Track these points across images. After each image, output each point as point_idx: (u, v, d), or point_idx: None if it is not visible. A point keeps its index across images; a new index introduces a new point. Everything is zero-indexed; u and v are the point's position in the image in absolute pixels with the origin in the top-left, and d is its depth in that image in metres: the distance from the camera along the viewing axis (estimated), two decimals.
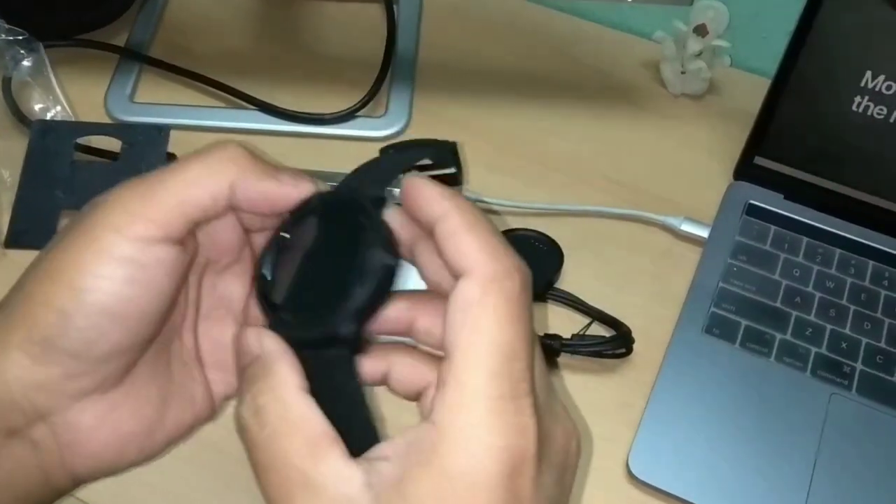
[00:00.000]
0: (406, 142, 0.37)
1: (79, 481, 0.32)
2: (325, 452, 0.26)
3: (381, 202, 0.32)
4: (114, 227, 0.30)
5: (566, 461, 0.28)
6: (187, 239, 0.31)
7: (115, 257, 0.29)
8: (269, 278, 0.33)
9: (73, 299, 0.29)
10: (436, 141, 0.37)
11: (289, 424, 0.27)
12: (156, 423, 0.33)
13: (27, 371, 0.29)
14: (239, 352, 0.30)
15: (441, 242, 0.28)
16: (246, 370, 0.29)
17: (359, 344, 0.31)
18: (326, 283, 0.31)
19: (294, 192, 0.32)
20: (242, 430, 0.28)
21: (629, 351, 0.52)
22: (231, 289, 0.35)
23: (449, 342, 0.27)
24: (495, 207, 0.59)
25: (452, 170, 0.36)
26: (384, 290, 0.30)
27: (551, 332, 0.52)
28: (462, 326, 0.26)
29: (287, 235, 0.33)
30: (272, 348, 0.29)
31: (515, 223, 0.58)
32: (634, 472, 0.48)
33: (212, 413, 0.35)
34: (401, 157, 0.35)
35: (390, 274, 0.30)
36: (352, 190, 0.33)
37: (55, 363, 0.29)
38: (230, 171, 0.31)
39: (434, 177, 0.36)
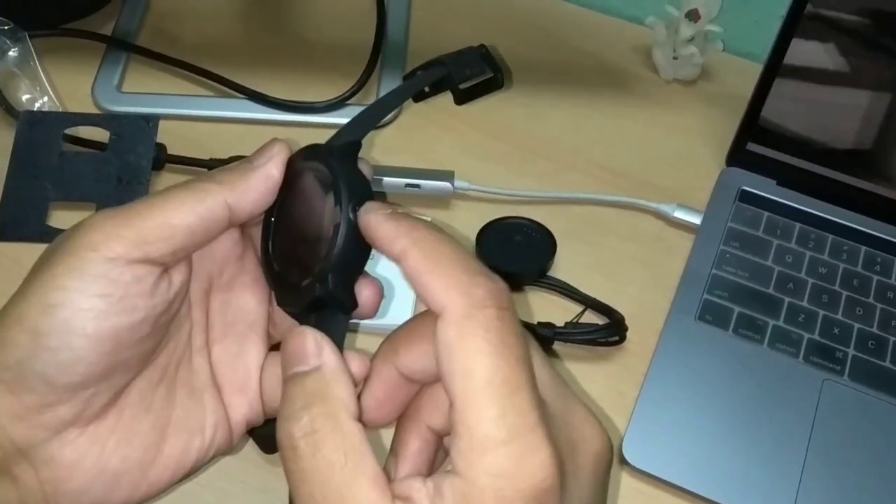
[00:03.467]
0: (427, 63, 0.37)
1: None
2: (380, 495, 0.25)
3: (351, 148, 0.32)
4: (90, 245, 0.29)
5: (595, 465, 0.27)
6: (174, 262, 0.31)
7: (89, 274, 0.29)
8: (270, 255, 0.33)
9: (44, 316, 0.28)
10: (457, 53, 0.36)
11: (344, 457, 0.25)
12: (150, 459, 0.31)
13: (1, 400, 0.29)
14: (291, 354, 0.28)
15: (410, 283, 0.27)
16: (302, 381, 0.27)
17: (340, 301, 0.30)
18: (305, 248, 0.31)
19: (273, 168, 0.31)
20: (290, 449, 0.26)
21: (622, 338, 0.52)
22: (245, 302, 0.34)
23: (447, 388, 0.26)
24: (486, 195, 0.59)
25: (489, 74, 0.35)
26: (348, 243, 0.30)
27: (544, 320, 0.52)
28: (452, 374, 0.25)
29: (272, 217, 0.33)
30: (333, 364, 0.28)
31: (507, 211, 0.58)
32: (628, 458, 0.48)
33: (229, 441, 0.33)
34: (402, 88, 0.35)
35: (350, 228, 0.29)
36: (331, 141, 0.32)
37: (29, 390, 0.29)
38: (216, 189, 0.30)
39: (476, 85, 0.36)
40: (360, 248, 0.30)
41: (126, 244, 0.29)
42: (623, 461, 0.48)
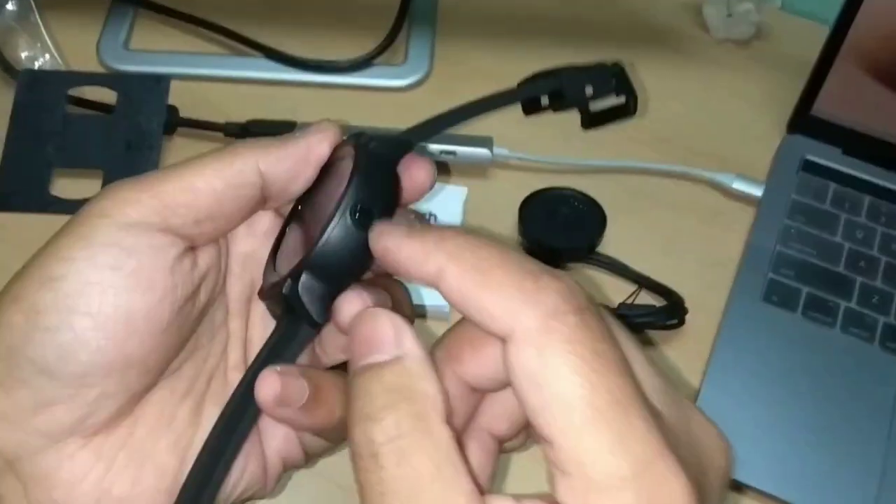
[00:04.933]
0: (545, 71, 0.33)
1: None
2: None
3: (397, 145, 0.28)
4: (101, 212, 0.25)
5: (722, 485, 0.23)
6: (200, 236, 0.26)
7: (98, 242, 0.24)
8: (280, 243, 0.29)
9: (44, 291, 0.24)
10: (584, 66, 0.32)
11: (437, 469, 0.21)
12: (164, 487, 0.26)
13: None
14: (364, 340, 0.23)
15: (455, 307, 0.22)
16: (379, 374, 0.22)
17: (304, 309, 0.26)
18: (305, 240, 0.27)
19: (316, 142, 0.28)
20: (370, 456, 0.21)
21: (682, 321, 0.48)
22: None
23: (539, 425, 0.21)
24: (528, 164, 0.54)
25: (621, 100, 0.32)
26: (335, 244, 0.25)
27: (596, 301, 0.48)
28: (544, 408, 0.20)
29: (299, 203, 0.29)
30: (418, 353, 0.22)
31: (550, 181, 0.53)
32: None
33: (262, 479, 0.29)
34: (496, 97, 0.31)
35: (343, 229, 0.25)
36: (386, 135, 0.28)
37: (22, 383, 0.24)
38: (247, 152, 0.27)
39: (604, 111, 0.33)
40: (351, 256, 0.26)
41: (142, 209, 0.25)
42: None
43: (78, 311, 0.24)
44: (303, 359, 0.29)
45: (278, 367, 0.26)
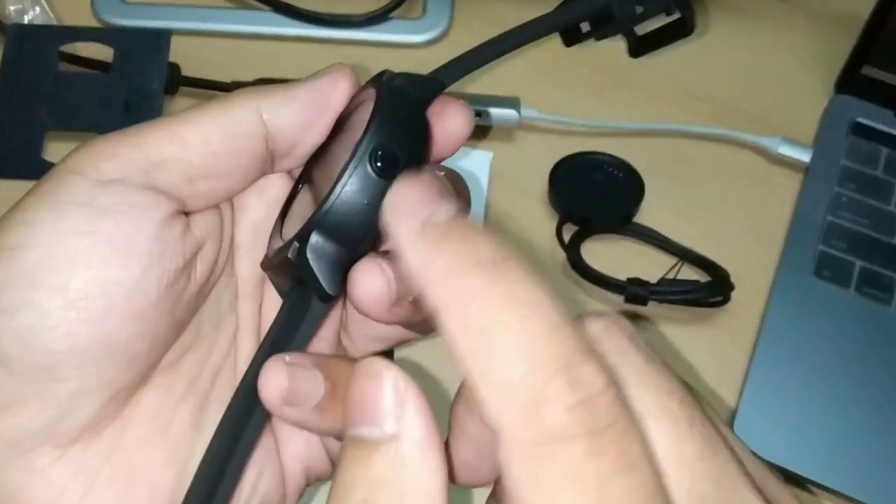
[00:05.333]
0: None
1: None
2: None
3: (427, 86, 0.24)
4: (73, 168, 0.21)
5: None
6: (194, 199, 0.23)
7: (68, 202, 0.21)
8: (290, 203, 0.25)
9: (2, 262, 0.20)
10: None
11: None
12: None
13: None
14: (358, 401, 0.18)
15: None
16: (367, 454, 0.17)
17: (313, 276, 0.22)
18: (316, 198, 0.24)
19: (326, 85, 0.24)
20: None
21: (727, 298, 0.44)
22: None
23: None
24: (558, 126, 0.50)
25: (674, 14, 0.27)
26: (352, 197, 0.21)
27: (633, 275, 0.44)
28: None
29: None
30: (418, 435, 0.17)
31: (582, 145, 0.49)
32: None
33: (279, 491, 0.25)
34: (536, 24, 0.27)
35: (363, 179, 0.21)
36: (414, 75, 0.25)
37: None
38: (245, 98, 0.23)
39: (655, 32, 0.28)
40: (371, 212, 0.21)
41: (121, 164, 0.21)
42: None
43: (42, 287, 0.20)
44: (327, 345, 0.25)
45: (286, 357, 0.22)
